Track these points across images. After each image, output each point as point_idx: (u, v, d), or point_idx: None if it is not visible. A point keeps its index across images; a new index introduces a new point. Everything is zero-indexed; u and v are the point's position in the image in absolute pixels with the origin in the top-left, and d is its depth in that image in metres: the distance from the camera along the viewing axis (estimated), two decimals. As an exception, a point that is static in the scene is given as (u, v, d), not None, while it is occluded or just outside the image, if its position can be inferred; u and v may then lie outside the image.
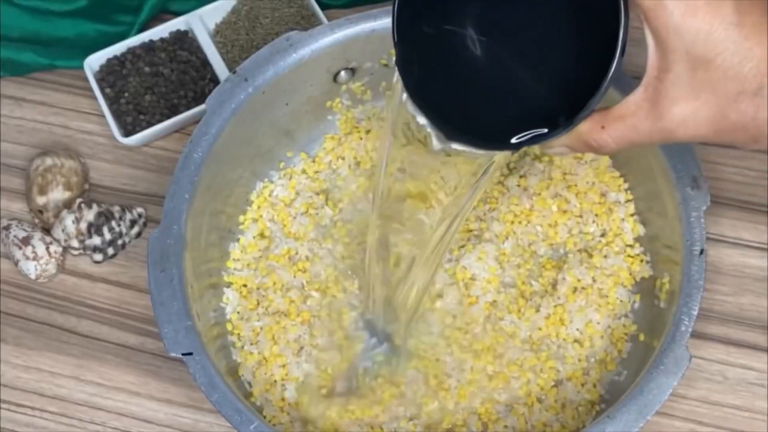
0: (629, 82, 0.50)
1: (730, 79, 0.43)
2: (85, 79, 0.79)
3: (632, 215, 0.69)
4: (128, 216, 0.73)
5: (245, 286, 0.69)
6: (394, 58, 0.49)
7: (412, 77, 0.49)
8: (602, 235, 0.69)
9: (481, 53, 0.47)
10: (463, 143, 0.48)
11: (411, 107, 0.49)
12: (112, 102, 0.78)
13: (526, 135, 0.46)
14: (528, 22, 0.46)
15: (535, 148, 0.72)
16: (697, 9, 0.42)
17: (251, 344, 0.67)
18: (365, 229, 0.69)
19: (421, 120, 0.49)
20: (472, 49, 0.47)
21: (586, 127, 0.47)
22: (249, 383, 0.66)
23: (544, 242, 0.69)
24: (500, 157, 0.52)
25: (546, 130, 0.46)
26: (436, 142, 0.49)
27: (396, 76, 0.50)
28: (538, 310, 0.66)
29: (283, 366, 0.66)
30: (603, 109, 0.46)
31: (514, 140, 0.46)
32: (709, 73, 0.43)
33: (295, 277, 0.69)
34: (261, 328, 0.67)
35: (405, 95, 0.49)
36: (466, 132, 0.48)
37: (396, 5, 0.48)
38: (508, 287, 0.68)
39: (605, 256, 0.68)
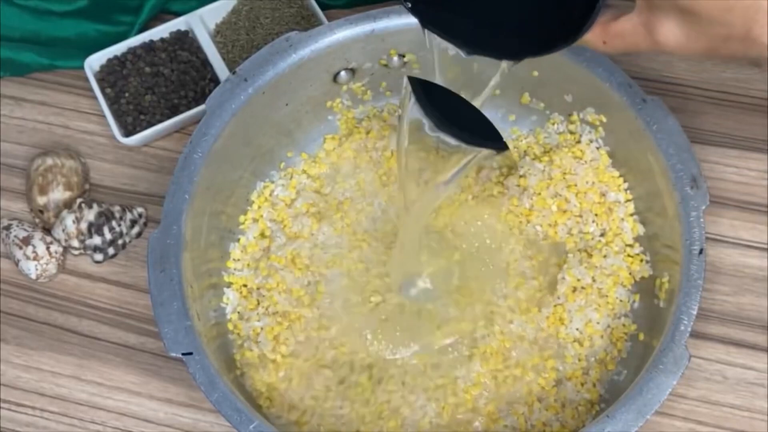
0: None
1: (717, 26, 0.45)
2: (86, 79, 0.79)
3: (632, 215, 0.69)
4: (128, 216, 0.73)
5: (245, 286, 0.69)
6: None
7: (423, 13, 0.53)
8: (602, 235, 0.69)
9: None
10: (485, 55, 0.52)
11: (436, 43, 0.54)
12: (112, 102, 0.78)
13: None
14: None
15: (535, 149, 0.72)
16: None
17: (252, 344, 0.67)
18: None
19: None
20: None
21: (590, 37, 0.50)
22: (249, 383, 0.66)
23: (544, 242, 0.69)
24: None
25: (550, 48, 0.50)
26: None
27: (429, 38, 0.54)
28: (539, 310, 0.67)
29: (283, 365, 0.66)
30: (604, 21, 0.49)
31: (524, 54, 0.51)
32: (698, 21, 0.45)
33: (296, 277, 0.69)
34: (261, 328, 0.67)
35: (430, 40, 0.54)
36: (485, 48, 0.53)
37: None
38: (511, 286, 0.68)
39: (605, 256, 0.68)
